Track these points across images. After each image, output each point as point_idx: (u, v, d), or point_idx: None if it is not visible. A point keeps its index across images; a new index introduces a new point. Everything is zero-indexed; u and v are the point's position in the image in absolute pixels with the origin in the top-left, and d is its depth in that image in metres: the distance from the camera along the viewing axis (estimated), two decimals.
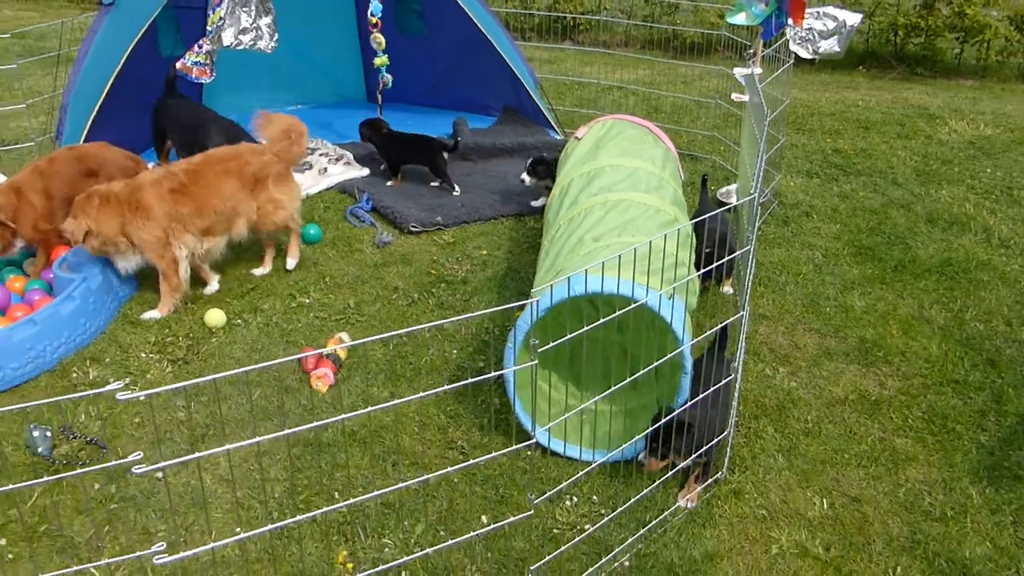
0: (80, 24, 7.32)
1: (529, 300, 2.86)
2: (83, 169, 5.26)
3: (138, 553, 2.13)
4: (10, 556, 3.28)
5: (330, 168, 6.86)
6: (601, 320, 2.93)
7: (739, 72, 5.92)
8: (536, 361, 2.54)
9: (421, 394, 2.51)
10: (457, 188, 6.56)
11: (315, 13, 7.99)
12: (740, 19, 5.72)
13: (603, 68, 9.93)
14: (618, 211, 4.28)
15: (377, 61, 6.93)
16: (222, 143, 5.48)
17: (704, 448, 3.42)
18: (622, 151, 5.07)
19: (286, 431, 2.19)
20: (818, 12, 6.20)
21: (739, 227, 5.30)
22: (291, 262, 5.42)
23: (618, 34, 12.34)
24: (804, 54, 6.10)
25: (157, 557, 2.16)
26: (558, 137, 7.47)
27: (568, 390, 4.16)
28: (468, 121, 7.63)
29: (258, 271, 5.40)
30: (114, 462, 2.06)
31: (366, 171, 6.94)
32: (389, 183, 6.70)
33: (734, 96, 6.03)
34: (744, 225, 4.47)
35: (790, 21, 5.83)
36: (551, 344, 2.69)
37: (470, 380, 2.64)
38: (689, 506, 3.50)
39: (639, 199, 4.40)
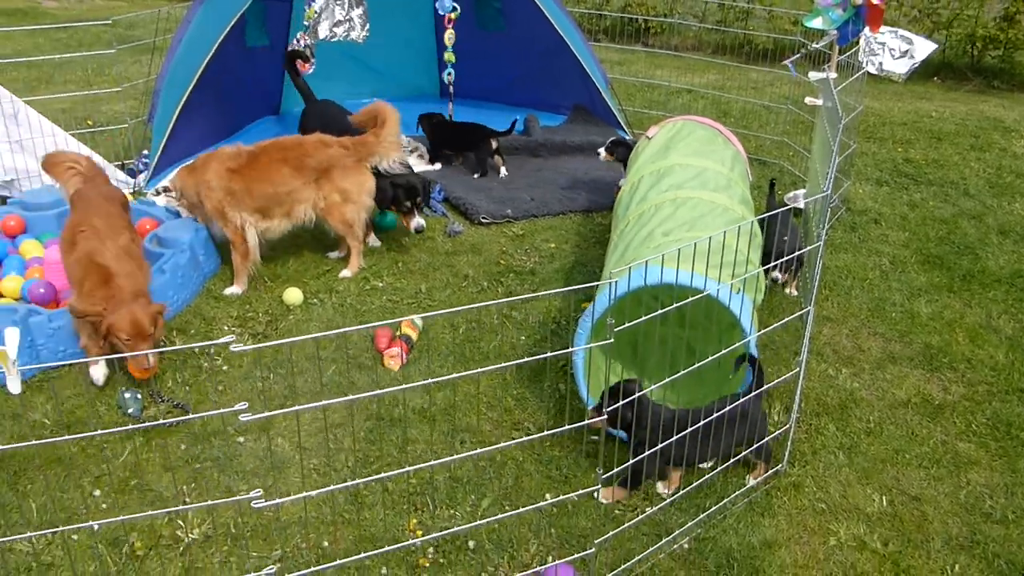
0: (171, 15, 7.64)
1: (606, 281, 2.98)
2: None
3: (237, 497, 2.30)
4: (104, 506, 3.51)
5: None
6: (673, 305, 3.03)
7: (814, 75, 5.94)
8: (612, 339, 2.66)
9: (497, 366, 2.65)
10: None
11: (392, 7, 8.19)
12: (817, 23, 5.74)
13: (673, 71, 9.98)
14: (687, 208, 4.37)
15: (446, 56, 7.18)
16: None
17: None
18: (692, 151, 5.15)
19: (376, 392, 2.35)
20: (896, 31, 6.18)
21: (807, 229, 5.34)
22: (346, 272, 5.38)
23: (689, 38, 12.36)
24: (869, 68, 6.09)
25: (255, 502, 2.34)
26: (627, 137, 7.56)
27: None
28: (539, 119, 7.77)
29: (333, 254, 5.60)
30: (221, 410, 2.23)
31: (438, 166, 7.12)
32: (478, 174, 6.91)
33: (807, 100, 6.05)
34: (813, 225, 4.52)
35: (867, 29, 5.85)
36: (626, 324, 2.81)
37: (547, 354, 2.76)
38: (751, 483, 3.62)
39: (708, 197, 4.48)
